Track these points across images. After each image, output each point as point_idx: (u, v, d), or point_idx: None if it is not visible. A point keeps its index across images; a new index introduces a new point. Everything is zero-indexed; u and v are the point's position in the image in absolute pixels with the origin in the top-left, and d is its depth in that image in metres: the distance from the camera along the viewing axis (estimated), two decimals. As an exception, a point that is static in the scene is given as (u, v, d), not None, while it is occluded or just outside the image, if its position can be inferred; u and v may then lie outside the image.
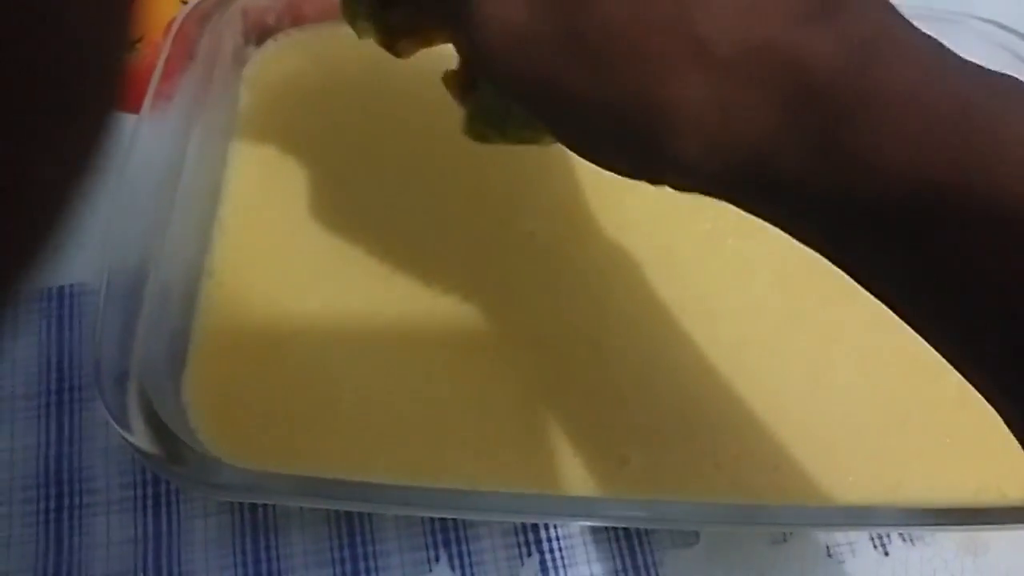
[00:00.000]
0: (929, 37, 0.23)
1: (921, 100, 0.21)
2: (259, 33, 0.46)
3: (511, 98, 0.27)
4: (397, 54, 0.33)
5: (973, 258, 0.21)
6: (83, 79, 0.15)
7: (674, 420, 0.39)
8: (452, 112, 0.47)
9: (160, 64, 0.40)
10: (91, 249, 0.33)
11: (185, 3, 0.46)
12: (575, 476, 0.37)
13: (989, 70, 0.22)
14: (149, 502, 0.37)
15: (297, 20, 0.46)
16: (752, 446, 0.39)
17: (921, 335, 0.24)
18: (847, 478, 0.39)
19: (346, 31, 0.49)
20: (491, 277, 0.41)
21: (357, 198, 0.42)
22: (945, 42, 0.23)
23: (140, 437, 0.32)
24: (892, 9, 0.23)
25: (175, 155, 0.38)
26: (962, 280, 0.21)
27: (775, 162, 0.23)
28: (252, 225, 0.41)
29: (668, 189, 0.46)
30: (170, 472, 0.32)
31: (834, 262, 0.25)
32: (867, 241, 0.23)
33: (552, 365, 0.39)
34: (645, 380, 0.40)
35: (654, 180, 0.26)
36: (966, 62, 0.23)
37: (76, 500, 0.37)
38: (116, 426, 0.31)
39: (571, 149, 0.27)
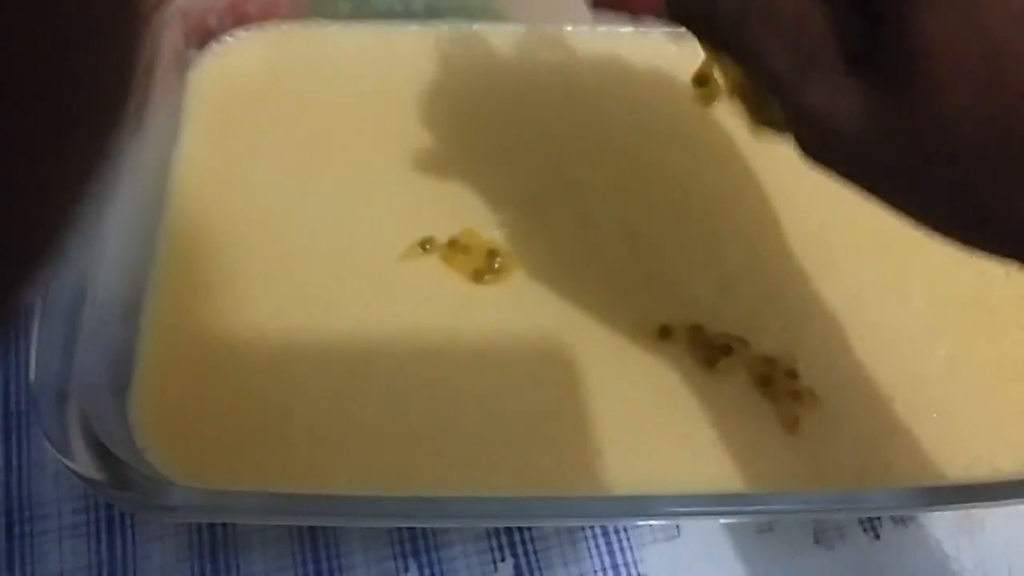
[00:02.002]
0: None
1: None
2: (201, 35, 0.44)
3: None
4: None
5: None
6: (94, 100, 0.15)
7: (649, 408, 0.38)
8: (401, 113, 0.45)
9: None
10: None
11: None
12: (546, 473, 0.36)
13: None
14: (103, 526, 0.35)
15: (240, 20, 0.45)
16: (731, 432, 0.37)
17: None
18: (832, 460, 0.37)
19: (293, 29, 0.47)
20: (451, 278, 0.40)
21: (307, 204, 0.41)
22: None
23: (81, 461, 0.30)
24: None
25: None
26: None
27: None
28: (199, 235, 0.39)
29: (633, 166, 0.44)
30: (114, 497, 0.31)
31: None
32: None
33: (516, 360, 0.38)
34: (616, 370, 0.38)
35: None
36: None
37: (27, 528, 0.35)
38: (55, 451, 0.30)
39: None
